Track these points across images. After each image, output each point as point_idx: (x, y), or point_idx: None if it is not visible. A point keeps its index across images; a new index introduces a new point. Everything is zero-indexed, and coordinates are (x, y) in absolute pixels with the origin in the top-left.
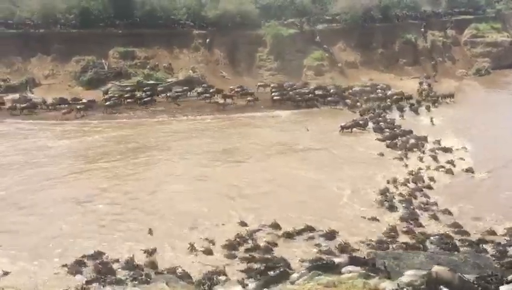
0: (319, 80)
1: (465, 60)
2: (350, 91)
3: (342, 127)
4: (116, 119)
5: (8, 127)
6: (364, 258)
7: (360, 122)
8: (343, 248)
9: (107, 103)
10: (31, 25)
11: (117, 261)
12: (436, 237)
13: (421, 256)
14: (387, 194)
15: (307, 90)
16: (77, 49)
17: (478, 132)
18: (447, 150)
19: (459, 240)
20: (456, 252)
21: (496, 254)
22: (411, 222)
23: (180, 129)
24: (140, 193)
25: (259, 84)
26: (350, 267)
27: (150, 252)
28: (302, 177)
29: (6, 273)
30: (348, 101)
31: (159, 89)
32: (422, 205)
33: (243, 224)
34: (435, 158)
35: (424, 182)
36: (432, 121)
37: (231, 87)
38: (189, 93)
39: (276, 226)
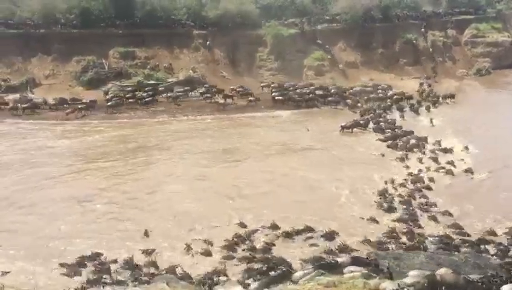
0: (320, 80)
1: (466, 60)
2: (351, 91)
3: (343, 127)
4: (117, 119)
5: (9, 127)
6: (367, 258)
7: (361, 122)
8: (342, 249)
9: (109, 103)
10: (31, 25)
11: (115, 261)
12: (436, 238)
13: (421, 256)
14: (387, 195)
15: (307, 91)
16: (78, 49)
17: (478, 132)
18: (447, 150)
19: (459, 241)
20: (456, 253)
21: (497, 253)
22: (410, 223)
23: (180, 129)
24: (139, 192)
25: (262, 84)
26: (352, 268)
27: (149, 253)
28: (302, 178)
29: (5, 273)
30: (348, 101)
31: (160, 89)
32: (422, 206)
33: (242, 224)
34: (435, 159)
35: (424, 183)
36: (431, 122)
37: (232, 87)
38: (191, 93)
39: (275, 226)
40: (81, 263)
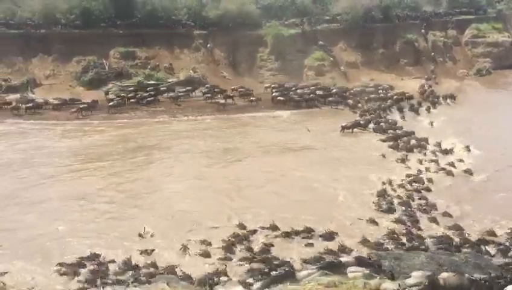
0: (320, 80)
1: (466, 60)
2: (351, 91)
3: (343, 128)
4: (117, 119)
5: (9, 127)
6: (369, 259)
7: (361, 122)
8: (342, 249)
9: (111, 103)
10: (32, 25)
11: (114, 261)
12: (436, 238)
13: (421, 256)
14: (387, 196)
15: (308, 91)
16: (78, 49)
17: (479, 133)
18: (447, 151)
19: (459, 241)
20: (456, 253)
21: (497, 254)
22: (409, 225)
23: (180, 129)
24: (139, 192)
25: (266, 85)
26: (354, 268)
27: (148, 253)
28: (301, 178)
29: (4, 273)
30: (349, 101)
31: (162, 89)
32: (422, 207)
33: (242, 225)
34: (435, 160)
35: (423, 183)
36: (431, 124)
37: (233, 87)
38: (193, 93)
39: (274, 227)
40: (80, 263)
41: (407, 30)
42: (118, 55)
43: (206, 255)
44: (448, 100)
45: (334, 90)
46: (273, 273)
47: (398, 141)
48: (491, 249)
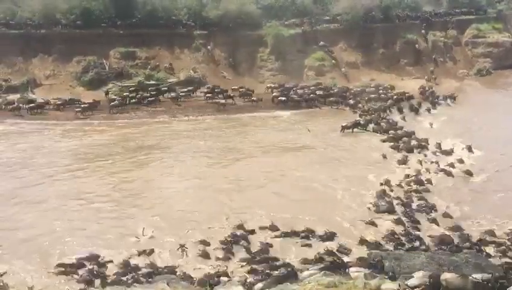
0: (320, 80)
1: (466, 60)
2: (352, 91)
3: (343, 128)
4: (118, 119)
5: (9, 127)
6: (372, 259)
7: (361, 122)
8: (342, 250)
9: (112, 103)
10: (32, 25)
11: (114, 261)
12: (436, 239)
13: (422, 257)
14: (386, 196)
15: (308, 91)
16: (78, 49)
17: (479, 133)
18: (447, 152)
19: (458, 241)
20: (457, 253)
21: (497, 254)
22: (409, 225)
23: (180, 129)
24: (138, 192)
25: (268, 86)
26: (354, 268)
27: (148, 253)
28: (301, 178)
29: (3, 274)
30: (350, 101)
31: (163, 89)
32: (421, 208)
33: (242, 225)
34: (435, 160)
35: (423, 184)
36: (431, 125)
37: (234, 87)
38: (195, 93)
39: (274, 227)
40: (80, 263)
41: (408, 30)
42: (118, 55)
43: (206, 255)
44: (449, 100)
45: (335, 90)
46: (276, 273)
47: (398, 142)
48: (491, 250)
